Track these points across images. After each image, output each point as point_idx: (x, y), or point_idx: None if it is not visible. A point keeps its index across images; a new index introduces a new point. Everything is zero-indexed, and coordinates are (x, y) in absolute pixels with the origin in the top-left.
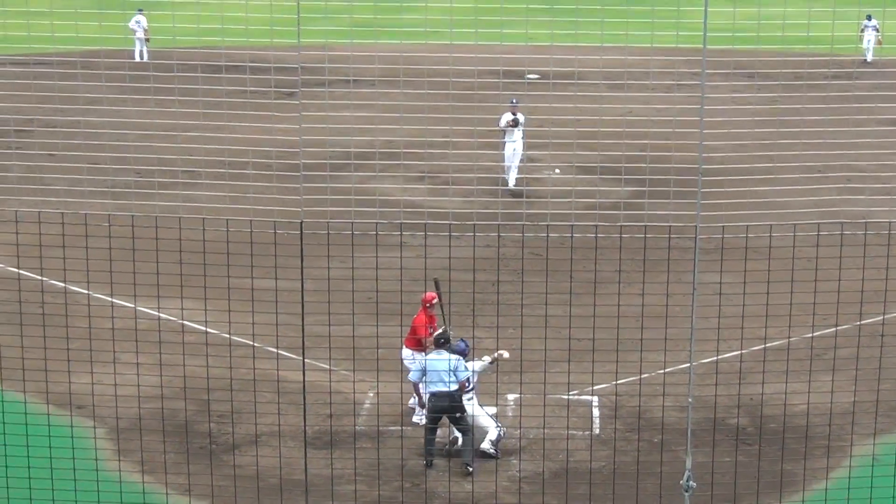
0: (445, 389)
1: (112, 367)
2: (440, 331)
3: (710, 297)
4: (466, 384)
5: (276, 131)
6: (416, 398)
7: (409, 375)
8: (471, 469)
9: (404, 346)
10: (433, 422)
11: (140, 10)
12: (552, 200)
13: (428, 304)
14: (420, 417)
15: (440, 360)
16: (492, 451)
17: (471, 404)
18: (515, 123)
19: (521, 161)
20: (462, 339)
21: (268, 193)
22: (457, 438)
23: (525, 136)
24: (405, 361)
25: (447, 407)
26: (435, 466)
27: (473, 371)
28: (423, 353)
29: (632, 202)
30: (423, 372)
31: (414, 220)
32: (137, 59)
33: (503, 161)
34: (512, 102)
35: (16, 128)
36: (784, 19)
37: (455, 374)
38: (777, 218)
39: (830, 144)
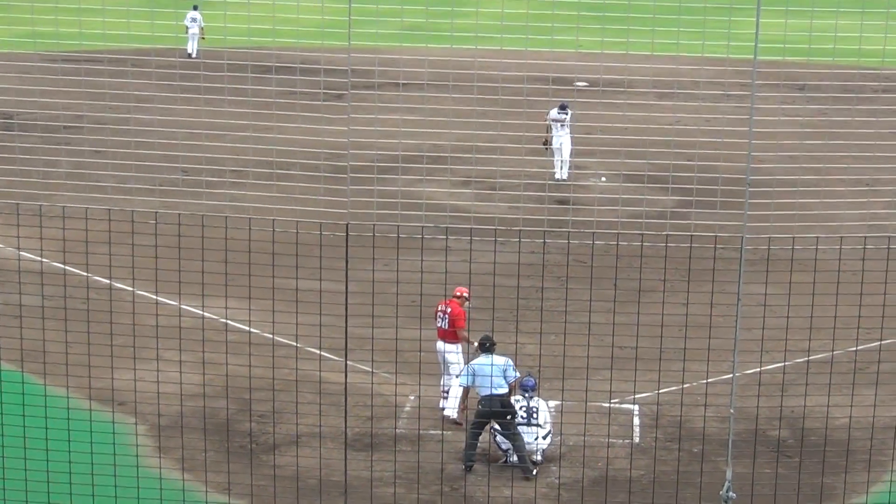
0: (497, 392)
1: (155, 364)
2: (484, 335)
3: (754, 308)
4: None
5: (324, 133)
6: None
7: (460, 382)
8: (534, 473)
9: (440, 340)
10: (479, 426)
11: (195, 6)
12: (598, 208)
13: (458, 295)
14: (452, 411)
15: (489, 365)
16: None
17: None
18: (564, 108)
19: (570, 167)
20: (530, 375)
21: (314, 195)
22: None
23: (573, 135)
24: (450, 357)
25: (499, 411)
26: (474, 471)
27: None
28: (461, 346)
29: (678, 211)
30: (474, 377)
31: (459, 224)
32: (193, 55)
33: (551, 156)
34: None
35: (65, 124)
36: (836, 32)
37: (505, 377)
38: (824, 231)
39: (879, 158)
